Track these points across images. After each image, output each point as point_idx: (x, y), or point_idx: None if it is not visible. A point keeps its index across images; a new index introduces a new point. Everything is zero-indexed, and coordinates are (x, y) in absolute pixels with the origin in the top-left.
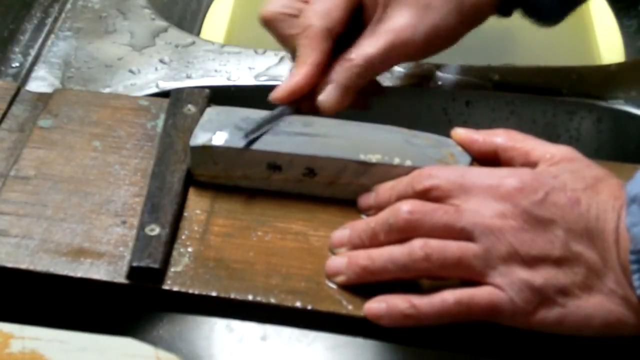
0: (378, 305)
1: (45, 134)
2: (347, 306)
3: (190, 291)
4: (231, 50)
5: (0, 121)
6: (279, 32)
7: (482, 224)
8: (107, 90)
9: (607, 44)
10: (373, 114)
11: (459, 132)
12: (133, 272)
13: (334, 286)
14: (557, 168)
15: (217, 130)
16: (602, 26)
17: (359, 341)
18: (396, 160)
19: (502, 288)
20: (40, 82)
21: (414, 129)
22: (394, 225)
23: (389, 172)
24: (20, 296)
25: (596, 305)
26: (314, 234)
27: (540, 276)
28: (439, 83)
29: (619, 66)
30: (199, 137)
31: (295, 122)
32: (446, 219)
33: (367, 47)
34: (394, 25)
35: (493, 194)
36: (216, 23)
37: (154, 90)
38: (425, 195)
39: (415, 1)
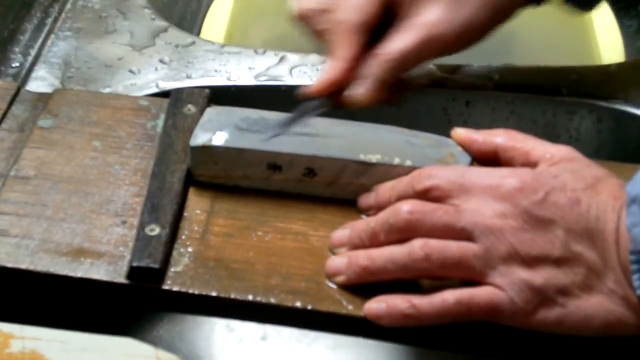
0: (378, 305)
1: (45, 134)
2: (347, 306)
3: (190, 291)
4: (231, 50)
5: (0, 121)
6: (313, 28)
7: (482, 224)
8: (107, 90)
9: (607, 44)
10: (373, 114)
11: (459, 132)
12: (133, 272)
13: (334, 286)
14: (557, 168)
15: (217, 130)
16: (602, 26)
17: (359, 341)
18: (396, 160)
19: (502, 288)
20: (40, 82)
21: (414, 129)
22: (394, 225)
23: (389, 172)
24: (20, 296)
25: (596, 305)
26: (314, 234)
27: (540, 276)
28: (439, 83)
29: (619, 66)
30: (199, 137)
31: (303, 123)
32: (446, 219)
33: (401, 41)
34: (428, 19)
35: (493, 194)
36: (216, 23)
37: (154, 90)
38: (425, 195)
39: None
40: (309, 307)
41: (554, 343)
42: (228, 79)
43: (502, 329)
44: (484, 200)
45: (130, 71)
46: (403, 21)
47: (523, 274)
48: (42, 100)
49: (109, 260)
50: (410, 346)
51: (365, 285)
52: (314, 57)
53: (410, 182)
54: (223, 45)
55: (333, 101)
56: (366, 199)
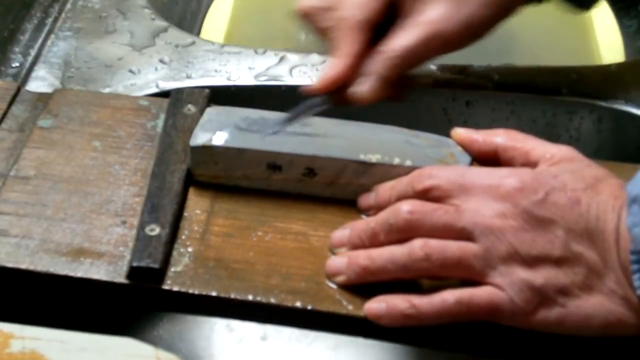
0: (378, 305)
1: (45, 134)
2: (347, 306)
3: (190, 291)
4: (231, 50)
5: (0, 121)
6: (316, 25)
7: (482, 223)
8: (107, 90)
9: (607, 44)
10: (373, 114)
11: (459, 132)
12: (133, 272)
13: (334, 286)
14: (557, 168)
15: (217, 130)
16: (602, 26)
17: (359, 341)
18: (396, 160)
19: (502, 288)
20: (40, 82)
21: (414, 129)
22: (394, 225)
23: (389, 172)
24: (20, 296)
25: (596, 305)
26: (314, 234)
27: (540, 276)
28: (439, 83)
29: (619, 66)
30: (199, 137)
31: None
32: (446, 218)
33: (404, 38)
34: (430, 16)
35: (493, 194)
36: (216, 23)
37: (154, 90)
38: (425, 195)
39: None
40: (309, 307)
41: (554, 343)
42: (228, 79)
43: (502, 329)
44: (484, 200)
45: (130, 71)
46: (406, 19)
47: (523, 274)
48: (42, 100)
49: (109, 260)
50: (410, 346)
51: (365, 285)
52: (314, 57)
53: (410, 182)
54: (223, 45)
55: (336, 98)
56: (366, 199)
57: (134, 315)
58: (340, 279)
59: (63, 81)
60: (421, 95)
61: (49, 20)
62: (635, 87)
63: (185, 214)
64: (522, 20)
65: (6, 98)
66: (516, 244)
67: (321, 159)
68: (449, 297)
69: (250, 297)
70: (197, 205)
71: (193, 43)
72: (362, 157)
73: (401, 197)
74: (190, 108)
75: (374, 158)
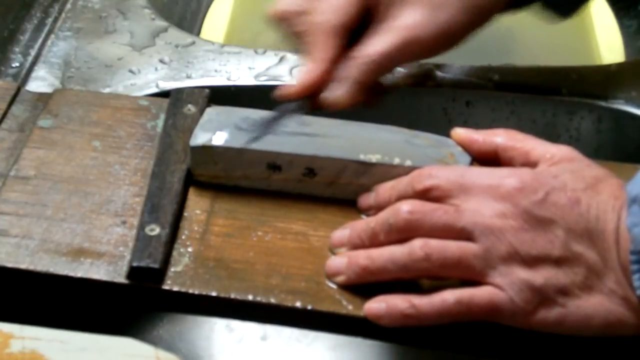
0: (378, 305)
1: (45, 134)
2: (347, 306)
3: (190, 291)
4: (231, 50)
5: (0, 121)
6: (291, 30)
7: (482, 223)
8: (107, 90)
9: (607, 44)
10: (373, 114)
11: (459, 132)
12: (133, 272)
13: (334, 286)
14: (557, 168)
15: (217, 130)
16: (602, 26)
17: (359, 341)
18: (396, 160)
19: (502, 288)
20: (40, 82)
21: (414, 129)
22: (394, 225)
23: (389, 172)
24: (20, 296)
25: (596, 305)
26: (314, 234)
27: (540, 276)
28: (439, 83)
29: (619, 66)
30: (199, 137)
31: (295, 122)
32: (446, 218)
33: (379, 43)
34: (406, 22)
35: (493, 194)
36: (216, 23)
37: (154, 90)
38: (425, 195)
39: None
40: (309, 307)
41: (554, 343)
42: (228, 79)
43: (502, 329)
44: (484, 200)
45: (130, 71)
46: (381, 24)
47: (523, 274)
48: (42, 100)
49: (109, 260)
50: (410, 346)
51: (365, 285)
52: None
53: (410, 182)
54: (223, 45)
55: (311, 103)
56: (366, 199)
57: (134, 315)
58: (340, 279)
59: (63, 81)
60: (421, 95)
61: (49, 20)
62: (635, 87)
63: (185, 214)
64: (522, 20)
65: (6, 98)
66: (516, 244)
67: (321, 159)
68: (449, 297)
69: (250, 297)
70: (197, 205)
71: (193, 43)
72: (362, 157)
73: (401, 197)
74: (190, 108)
75: (374, 158)
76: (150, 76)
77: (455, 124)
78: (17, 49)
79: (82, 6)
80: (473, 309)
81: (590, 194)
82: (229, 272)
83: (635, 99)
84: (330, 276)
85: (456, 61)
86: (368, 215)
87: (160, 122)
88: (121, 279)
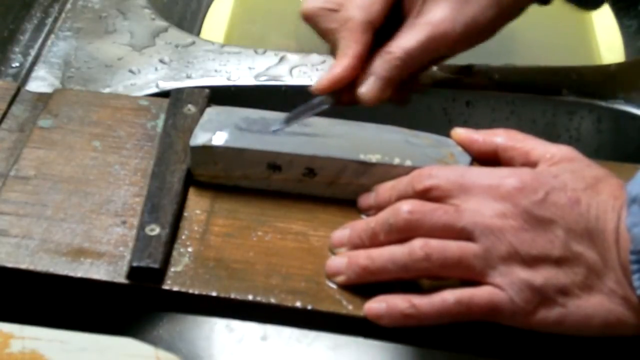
0: (378, 305)
1: (45, 134)
2: (347, 306)
3: (190, 291)
4: (231, 50)
5: (0, 121)
6: (320, 27)
7: (482, 223)
8: (107, 90)
9: (607, 44)
10: (373, 114)
11: (459, 132)
12: (133, 272)
13: (334, 286)
14: (557, 168)
15: (217, 130)
16: (602, 26)
17: (359, 341)
18: (396, 160)
19: (502, 288)
20: (40, 82)
21: (414, 129)
22: (394, 225)
23: (389, 172)
24: (20, 296)
25: (596, 305)
26: (314, 234)
27: (540, 276)
28: (439, 83)
29: (619, 66)
30: (199, 137)
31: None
32: (446, 218)
33: (406, 39)
34: (433, 18)
35: (493, 194)
36: (216, 23)
37: (154, 90)
38: (425, 195)
39: None
40: (309, 307)
41: (554, 343)
42: (228, 79)
43: (502, 329)
44: (484, 200)
45: (130, 71)
46: (409, 20)
47: (523, 273)
48: (42, 100)
49: (109, 260)
50: (410, 346)
51: (365, 285)
52: (314, 57)
53: (410, 182)
54: (223, 45)
55: (339, 99)
56: (366, 199)
57: (134, 315)
58: (340, 279)
59: (63, 81)
60: (421, 96)
61: (49, 20)
62: (635, 87)
63: (185, 214)
64: (522, 20)
65: (6, 98)
66: (516, 243)
67: (321, 159)
68: (449, 297)
69: (250, 297)
70: (197, 205)
71: (193, 43)
72: (362, 157)
73: (401, 197)
74: (190, 108)
75: (374, 158)
76: (150, 76)
77: (455, 124)
78: (17, 49)
79: (82, 6)
80: (473, 309)
81: (590, 194)
82: (229, 272)
83: (635, 99)
84: (330, 276)
85: (456, 61)
86: (368, 215)
87: (160, 122)
88: (121, 279)
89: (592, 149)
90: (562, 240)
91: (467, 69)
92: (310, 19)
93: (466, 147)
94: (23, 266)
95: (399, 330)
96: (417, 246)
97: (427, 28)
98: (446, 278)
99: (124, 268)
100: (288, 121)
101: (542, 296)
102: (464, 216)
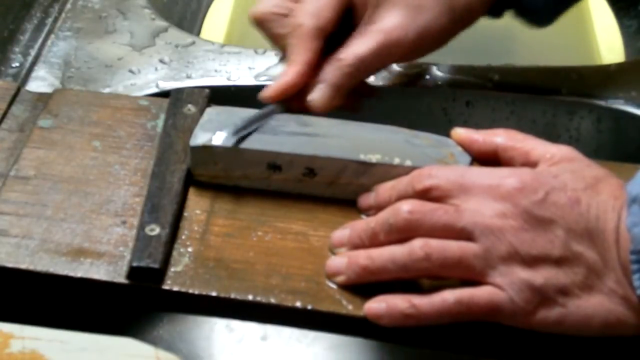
0: (378, 305)
1: (45, 134)
2: (347, 306)
3: (190, 291)
4: (231, 50)
5: (0, 121)
6: (270, 32)
7: (482, 223)
8: (107, 90)
9: (607, 44)
10: (373, 114)
11: (459, 132)
12: (133, 272)
13: (334, 286)
14: (557, 168)
15: (217, 130)
16: (602, 26)
17: (359, 341)
18: (396, 160)
19: (502, 288)
20: (40, 82)
21: (414, 129)
22: (394, 225)
23: (389, 172)
24: (20, 296)
25: (596, 305)
26: (314, 234)
27: (540, 276)
28: (439, 83)
29: (619, 66)
30: (199, 137)
31: (295, 122)
32: (446, 218)
33: (357, 46)
34: (385, 25)
35: (493, 194)
36: (216, 23)
37: (154, 90)
38: (425, 195)
39: (406, 1)
40: (309, 307)
41: (554, 343)
42: (228, 79)
43: (502, 329)
44: (484, 200)
45: (130, 71)
46: (361, 27)
47: (523, 273)
48: (42, 100)
49: (109, 260)
50: (410, 346)
51: (365, 285)
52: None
53: (410, 182)
54: (223, 45)
55: (290, 105)
56: (366, 199)
57: (134, 315)
58: (340, 279)
59: (63, 81)
60: (421, 96)
61: (49, 20)
62: (635, 87)
63: (185, 214)
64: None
65: (6, 98)
66: (516, 243)
67: (321, 159)
68: (449, 296)
69: (250, 297)
70: (197, 205)
71: (193, 43)
72: (362, 157)
73: (401, 197)
74: (190, 108)
75: (374, 158)
76: (150, 76)
77: (455, 124)
78: (17, 49)
79: (82, 6)
80: (473, 309)
81: (590, 194)
82: (229, 272)
83: (635, 99)
84: (330, 276)
85: (456, 61)
86: (368, 215)
87: (160, 122)
88: (121, 279)
89: (592, 149)
90: (562, 240)
91: (464, 69)
92: (260, 24)
93: (466, 147)
94: (23, 266)
95: (399, 330)
96: (417, 246)
97: (379, 35)
98: (446, 278)
99: (124, 268)
100: (237, 132)
101: (542, 296)
102: (464, 216)
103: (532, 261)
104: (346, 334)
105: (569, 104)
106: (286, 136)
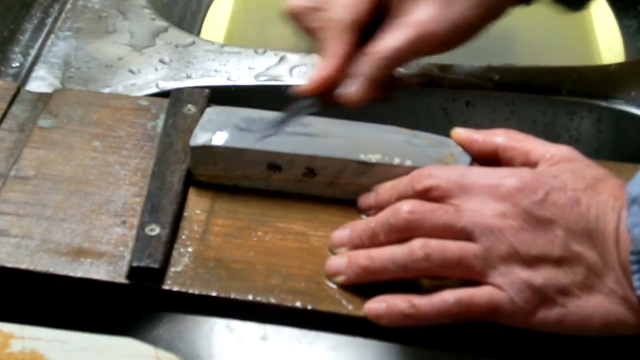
0: (378, 305)
1: (45, 134)
2: (347, 306)
3: (190, 291)
4: (231, 50)
5: (0, 121)
6: (305, 26)
7: (482, 223)
8: (107, 90)
9: (607, 44)
10: (373, 114)
11: (459, 132)
12: (133, 272)
13: (334, 286)
14: (557, 168)
15: (217, 130)
16: (602, 26)
17: (359, 341)
18: (396, 160)
19: (502, 288)
20: (40, 82)
21: (414, 129)
22: (394, 225)
23: (389, 172)
24: (20, 296)
25: (596, 305)
26: (314, 234)
27: (540, 276)
28: (439, 83)
29: (619, 66)
30: (199, 137)
31: (295, 122)
32: (446, 218)
33: (392, 39)
34: (419, 17)
35: (493, 194)
36: (216, 23)
37: (154, 90)
38: (425, 195)
39: None
40: (309, 307)
41: (554, 343)
42: (228, 79)
43: (502, 329)
44: (484, 200)
45: (130, 71)
46: (394, 19)
47: (523, 273)
48: (42, 100)
49: (109, 260)
50: (410, 346)
51: (365, 285)
52: (314, 57)
53: (410, 182)
54: (223, 45)
55: (324, 100)
56: (366, 199)
57: (134, 315)
58: (340, 279)
59: (63, 81)
60: (421, 96)
61: (49, 20)
62: (635, 87)
63: (185, 214)
64: (522, 20)
65: (6, 98)
66: (516, 243)
67: (321, 159)
68: (449, 297)
69: (250, 297)
70: (197, 205)
71: (193, 43)
72: (362, 157)
73: (401, 197)
74: (190, 108)
75: (374, 158)
76: (150, 76)
77: (455, 124)
78: (17, 49)
79: (82, 6)
80: (473, 309)
81: (590, 194)
82: (229, 272)
83: (635, 99)
84: (330, 276)
85: (456, 61)
86: (368, 215)
87: (160, 122)
88: (121, 279)
89: (592, 149)
90: (562, 240)
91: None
92: (295, 18)
93: (466, 147)
94: (23, 266)
95: (399, 330)
96: (417, 246)
97: (413, 28)
98: (446, 278)
99: (124, 268)
100: (277, 125)
101: (542, 296)
102: (464, 216)
103: (532, 261)
104: (346, 334)
105: (569, 104)
106: (286, 136)
